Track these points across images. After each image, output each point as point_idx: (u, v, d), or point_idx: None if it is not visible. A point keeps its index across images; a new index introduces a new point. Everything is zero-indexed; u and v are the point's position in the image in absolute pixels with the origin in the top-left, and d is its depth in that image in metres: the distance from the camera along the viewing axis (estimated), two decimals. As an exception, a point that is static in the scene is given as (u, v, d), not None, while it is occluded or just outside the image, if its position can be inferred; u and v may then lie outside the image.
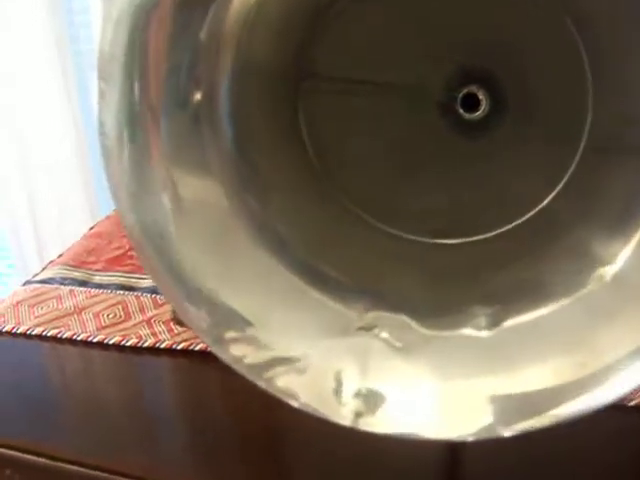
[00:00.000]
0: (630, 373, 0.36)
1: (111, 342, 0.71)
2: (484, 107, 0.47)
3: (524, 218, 0.45)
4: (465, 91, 0.47)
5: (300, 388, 0.39)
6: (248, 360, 0.40)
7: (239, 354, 0.40)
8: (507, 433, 0.36)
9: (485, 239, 0.46)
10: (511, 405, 0.37)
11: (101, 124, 0.38)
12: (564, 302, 0.39)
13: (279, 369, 0.40)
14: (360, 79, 0.48)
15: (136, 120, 0.39)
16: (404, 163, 0.49)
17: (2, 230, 1.73)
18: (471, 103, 0.47)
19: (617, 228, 0.39)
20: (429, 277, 0.45)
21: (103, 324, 0.74)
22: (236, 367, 0.39)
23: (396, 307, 0.42)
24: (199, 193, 0.43)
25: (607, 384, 0.36)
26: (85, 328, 0.73)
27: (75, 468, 0.57)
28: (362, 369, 0.39)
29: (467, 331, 0.40)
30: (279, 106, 0.47)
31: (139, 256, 0.41)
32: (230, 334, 0.40)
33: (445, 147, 0.49)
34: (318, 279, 0.44)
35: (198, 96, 0.42)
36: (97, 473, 0.56)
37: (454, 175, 0.48)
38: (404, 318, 0.42)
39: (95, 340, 0.72)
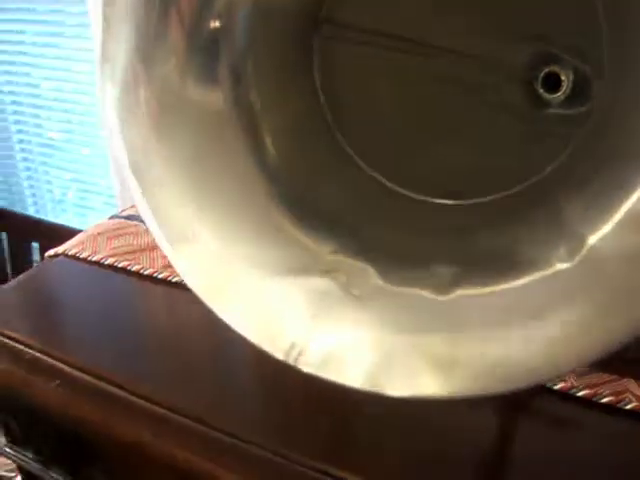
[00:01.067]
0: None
1: (174, 280, 0.75)
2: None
3: (519, 187, 0.45)
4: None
5: (247, 318, 0.39)
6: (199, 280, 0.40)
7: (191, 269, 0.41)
8: (443, 393, 0.36)
9: (476, 204, 0.46)
10: (453, 369, 0.36)
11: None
12: (531, 277, 0.38)
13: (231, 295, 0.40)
14: (385, 32, 0.47)
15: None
16: (414, 122, 0.49)
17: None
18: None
19: (595, 206, 0.38)
20: (406, 232, 0.45)
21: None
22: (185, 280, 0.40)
23: (364, 255, 0.42)
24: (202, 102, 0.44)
25: (550, 362, 0.35)
26: (153, 264, 0.78)
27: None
28: (313, 310, 0.39)
29: (424, 291, 0.39)
30: (295, 48, 0.47)
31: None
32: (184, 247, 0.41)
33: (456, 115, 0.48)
34: (296, 212, 0.44)
35: (217, 24, 0.43)
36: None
37: (463, 140, 0.48)
38: (368, 267, 0.41)
39: (160, 277, 0.75)
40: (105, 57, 0.41)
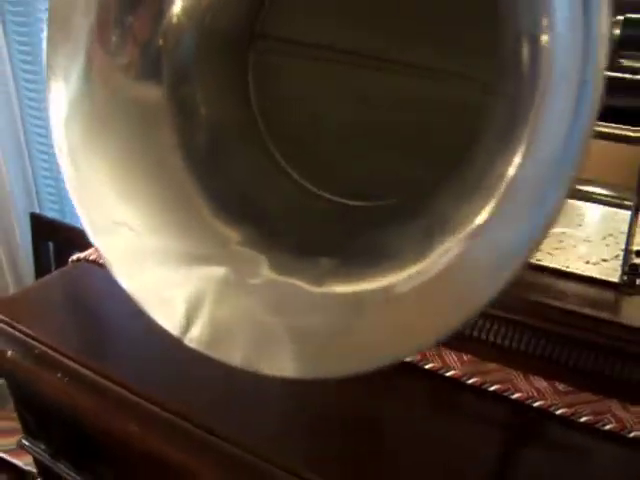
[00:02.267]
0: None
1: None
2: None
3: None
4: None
5: (156, 300, 0.44)
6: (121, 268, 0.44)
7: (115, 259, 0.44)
8: (308, 374, 0.40)
9: (376, 205, 0.50)
10: (321, 353, 0.40)
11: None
12: (396, 276, 0.41)
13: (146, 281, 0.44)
14: (316, 44, 0.52)
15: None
16: (338, 127, 0.54)
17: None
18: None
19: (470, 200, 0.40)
20: (309, 228, 0.49)
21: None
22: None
23: (264, 247, 0.46)
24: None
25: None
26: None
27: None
28: (211, 295, 0.44)
29: (301, 281, 0.43)
30: (233, 61, 0.52)
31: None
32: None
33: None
34: (216, 206, 0.48)
35: (161, 42, 0.48)
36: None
37: (382, 147, 0.52)
38: (263, 258, 0.45)
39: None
40: (53, 50, 0.45)
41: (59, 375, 0.76)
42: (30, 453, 0.92)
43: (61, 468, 0.88)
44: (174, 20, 0.48)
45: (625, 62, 0.72)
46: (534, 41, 0.27)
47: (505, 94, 0.32)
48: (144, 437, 0.69)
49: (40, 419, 0.88)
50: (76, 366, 0.76)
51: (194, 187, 0.48)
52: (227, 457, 0.63)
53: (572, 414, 0.63)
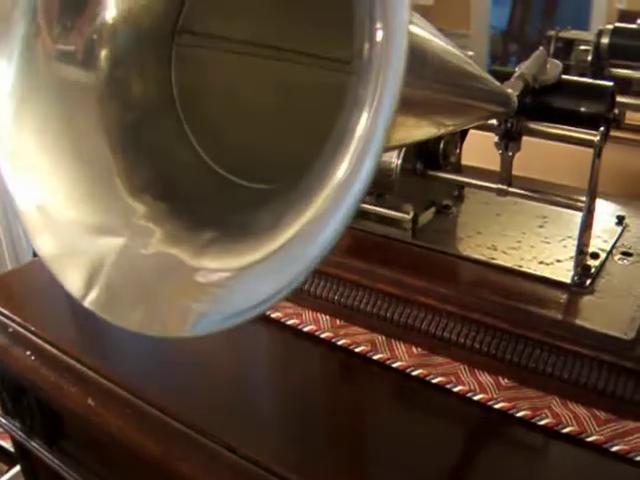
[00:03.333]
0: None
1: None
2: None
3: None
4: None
5: (67, 269, 0.47)
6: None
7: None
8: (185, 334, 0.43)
9: (268, 188, 0.52)
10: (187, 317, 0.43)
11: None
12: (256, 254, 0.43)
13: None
14: (232, 37, 0.56)
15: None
16: (250, 115, 0.58)
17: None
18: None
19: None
20: (207, 204, 0.52)
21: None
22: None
23: (162, 220, 0.50)
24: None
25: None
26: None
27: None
28: (110, 264, 0.47)
29: (182, 253, 0.47)
30: (158, 56, 0.55)
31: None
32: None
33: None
34: (133, 184, 0.52)
35: (95, 37, 0.52)
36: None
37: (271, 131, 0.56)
38: (158, 230, 0.49)
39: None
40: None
41: (28, 353, 0.78)
42: (6, 431, 0.94)
43: (34, 446, 0.91)
44: (109, 21, 0.52)
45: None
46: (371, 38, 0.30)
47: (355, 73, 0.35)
48: (100, 412, 0.71)
49: (14, 397, 0.91)
50: (46, 345, 0.79)
51: (114, 164, 0.52)
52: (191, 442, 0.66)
53: (510, 408, 0.64)
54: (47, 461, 0.89)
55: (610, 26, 1.21)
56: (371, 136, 0.31)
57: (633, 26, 1.20)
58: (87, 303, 0.45)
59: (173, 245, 0.47)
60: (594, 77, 1.25)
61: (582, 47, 1.28)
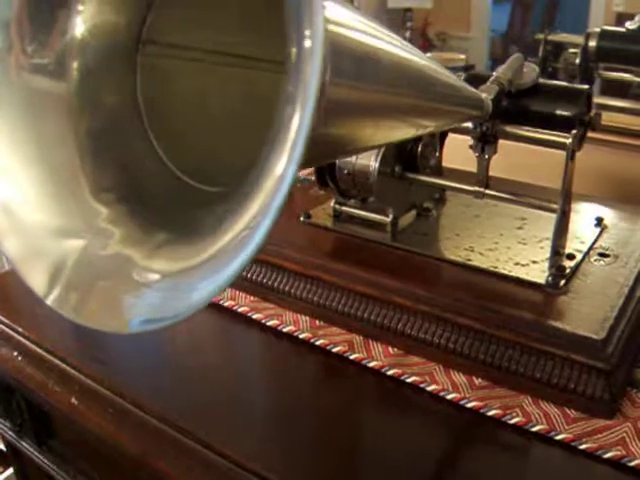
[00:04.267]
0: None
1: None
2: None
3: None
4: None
5: (33, 270, 0.49)
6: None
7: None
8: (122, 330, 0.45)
9: (218, 191, 0.54)
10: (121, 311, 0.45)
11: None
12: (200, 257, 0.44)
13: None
14: (191, 46, 0.59)
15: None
16: (208, 120, 0.61)
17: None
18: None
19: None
20: (164, 207, 0.54)
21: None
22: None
23: (121, 222, 0.52)
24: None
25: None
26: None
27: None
28: (71, 264, 0.49)
29: (134, 253, 0.49)
30: (124, 66, 0.58)
31: None
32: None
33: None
34: (95, 178, 0.54)
35: (67, 50, 0.55)
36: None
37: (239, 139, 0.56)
38: (116, 232, 0.51)
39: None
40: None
41: (15, 354, 0.80)
42: (-3, 431, 0.96)
43: (24, 446, 0.93)
44: (78, 36, 0.55)
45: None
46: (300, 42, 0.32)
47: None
48: (82, 411, 0.73)
49: (4, 398, 0.92)
50: (32, 345, 0.81)
51: (81, 169, 0.54)
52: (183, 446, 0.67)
53: (481, 407, 0.65)
54: (37, 461, 0.90)
55: (597, 29, 1.22)
56: (299, 131, 0.32)
57: (621, 29, 1.21)
58: (49, 301, 0.47)
59: (129, 246, 0.49)
60: (582, 80, 1.26)
61: (571, 50, 1.30)
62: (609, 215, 0.89)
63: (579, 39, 1.24)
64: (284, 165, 0.33)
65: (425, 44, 1.48)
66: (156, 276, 0.45)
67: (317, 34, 0.30)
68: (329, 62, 0.40)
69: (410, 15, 1.48)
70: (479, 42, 1.45)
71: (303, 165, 0.51)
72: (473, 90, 0.71)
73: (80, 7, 0.53)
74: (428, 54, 1.28)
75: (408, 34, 1.50)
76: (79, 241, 0.50)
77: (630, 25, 1.17)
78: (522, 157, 0.87)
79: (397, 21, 1.48)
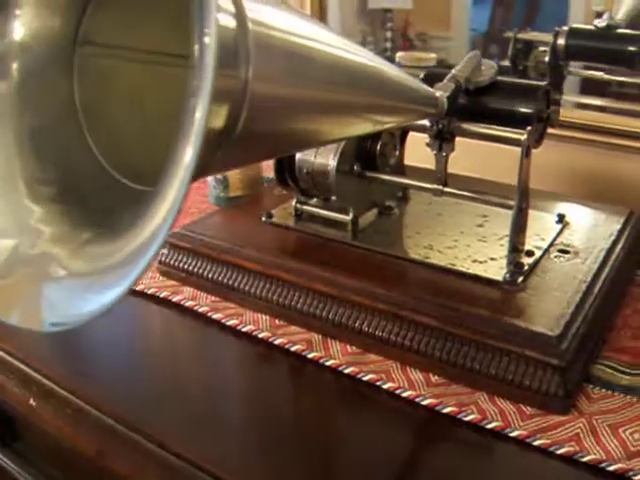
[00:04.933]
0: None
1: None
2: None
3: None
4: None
5: None
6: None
7: None
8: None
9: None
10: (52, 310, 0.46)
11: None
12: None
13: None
14: (126, 45, 0.59)
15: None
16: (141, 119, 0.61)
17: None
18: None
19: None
20: (96, 206, 0.55)
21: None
22: None
23: (52, 222, 0.53)
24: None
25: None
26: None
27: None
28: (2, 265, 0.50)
29: (60, 250, 0.50)
30: (62, 67, 0.58)
31: None
32: None
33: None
34: (33, 178, 0.54)
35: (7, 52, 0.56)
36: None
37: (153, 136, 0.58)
38: (46, 231, 0.52)
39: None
40: None
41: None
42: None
43: (-11, 449, 0.92)
44: (17, 39, 0.56)
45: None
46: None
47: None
48: (40, 412, 0.73)
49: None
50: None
51: (19, 168, 0.54)
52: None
53: (437, 405, 0.66)
54: (1, 463, 0.90)
55: (566, 28, 1.22)
56: (200, 121, 0.34)
57: (589, 27, 1.21)
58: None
59: (56, 245, 0.49)
60: (552, 77, 1.26)
61: (541, 48, 1.30)
62: (572, 212, 0.89)
63: (548, 37, 1.24)
64: (190, 156, 0.33)
65: (406, 44, 1.48)
66: (74, 274, 0.44)
67: (212, 31, 0.31)
68: (252, 60, 0.40)
69: (390, 16, 1.48)
70: (460, 41, 1.45)
71: (245, 161, 0.52)
72: (427, 88, 0.71)
73: (17, 12, 0.54)
74: (400, 53, 1.30)
75: (389, 34, 1.50)
76: (10, 241, 0.50)
77: (599, 23, 1.17)
78: (497, 156, 0.87)
79: (378, 22, 1.48)
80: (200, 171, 0.45)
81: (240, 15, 0.41)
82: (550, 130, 0.82)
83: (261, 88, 0.43)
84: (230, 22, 0.40)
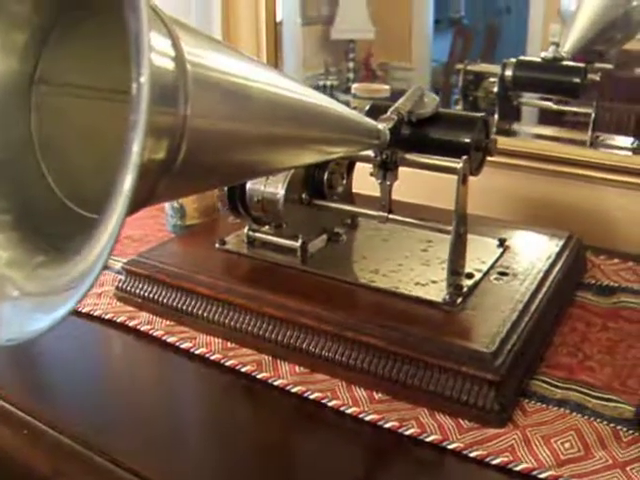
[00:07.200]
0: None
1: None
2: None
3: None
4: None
5: None
6: None
7: None
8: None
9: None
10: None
11: None
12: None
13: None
14: (81, 84, 0.62)
15: None
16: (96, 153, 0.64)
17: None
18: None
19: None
20: (52, 232, 0.58)
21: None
22: None
23: (15, 245, 0.56)
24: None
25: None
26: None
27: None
28: None
29: (13, 273, 0.53)
30: (19, 108, 0.62)
31: None
32: None
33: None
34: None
35: None
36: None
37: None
38: (4, 255, 0.55)
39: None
40: None
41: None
42: None
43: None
44: None
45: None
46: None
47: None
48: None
49: None
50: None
51: None
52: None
53: (379, 420, 0.69)
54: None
55: (513, 59, 1.28)
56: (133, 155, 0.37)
57: (536, 59, 1.27)
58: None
59: (12, 268, 0.52)
60: (501, 107, 1.31)
61: (491, 79, 1.35)
62: (514, 236, 0.94)
63: (496, 69, 1.29)
64: (128, 185, 0.36)
65: (368, 75, 1.51)
66: (26, 294, 0.47)
67: (146, 71, 0.34)
68: (191, 98, 0.43)
69: (353, 46, 1.51)
70: (421, 72, 1.49)
71: (191, 190, 0.55)
72: (369, 121, 0.75)
73: None
74: (355, 85, 1.34)
75: (351, 65, 1.54)
76: None
77: (545, 55, 1.23)
78: (445, 184, 0.91)
79: (340, 52, 1.51)
80: (144, 200, 0.49)
81: (180, 59, 0.45)
82: (504, 159, 0.86)
83: (200, 123, 0.47)
84: (169, 64, 0.44)
